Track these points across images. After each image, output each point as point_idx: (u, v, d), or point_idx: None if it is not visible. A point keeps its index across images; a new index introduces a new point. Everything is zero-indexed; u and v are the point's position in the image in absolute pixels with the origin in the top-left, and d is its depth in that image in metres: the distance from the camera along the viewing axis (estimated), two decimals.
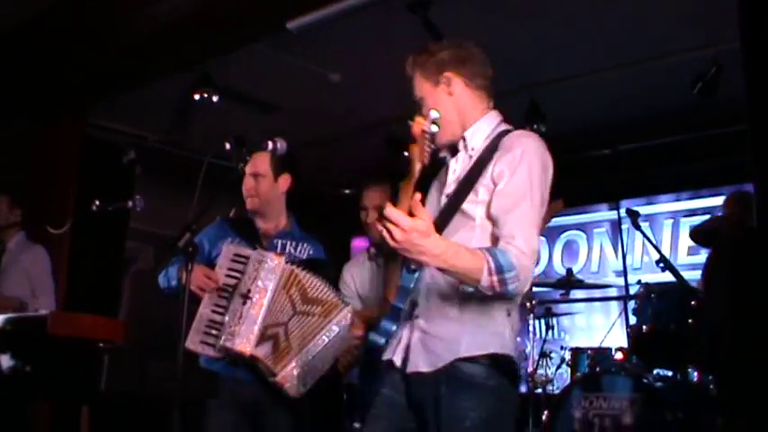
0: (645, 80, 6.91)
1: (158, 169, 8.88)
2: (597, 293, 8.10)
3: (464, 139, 3.07)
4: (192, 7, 5.85)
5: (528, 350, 7.19)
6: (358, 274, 4.52)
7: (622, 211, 7.90)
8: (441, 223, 2.92)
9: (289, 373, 3.86)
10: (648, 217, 8.20)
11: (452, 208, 2.98)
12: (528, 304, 6.74)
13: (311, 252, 4.33)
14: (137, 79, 7.06)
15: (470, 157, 3.04)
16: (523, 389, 7.33)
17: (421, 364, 2.91)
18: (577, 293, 7.83)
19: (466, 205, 2.94)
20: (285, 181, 4.32)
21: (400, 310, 3.00)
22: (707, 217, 7.01)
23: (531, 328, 7.28)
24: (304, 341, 3.89)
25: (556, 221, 9.04)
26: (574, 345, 7.28)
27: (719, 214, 6.43)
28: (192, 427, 3.83)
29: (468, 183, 2.96)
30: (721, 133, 7.28)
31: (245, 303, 3.92)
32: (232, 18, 5.91)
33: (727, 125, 7.09)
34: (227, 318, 3.93)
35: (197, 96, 6.88)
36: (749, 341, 2.69)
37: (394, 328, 3.01)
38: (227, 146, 3.73)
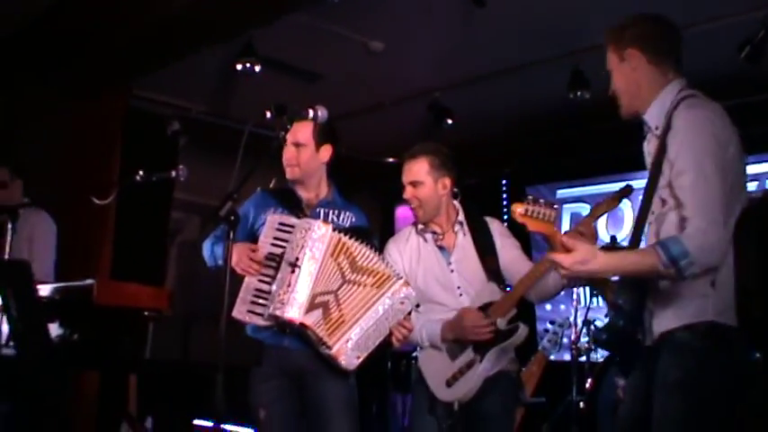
0: (691, 45, 6.78)
1: (202, 140, 8.93)
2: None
3: (646, 122, 3.19)
4: None
5: (571, 318, 7.16)
6: (405, 250, 4.41)
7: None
8: (644, 208, 3.11)
9: (343, 346, 3.86)
10: None
11: (650, 193, 3.09)
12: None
13: (353, 220, 4.32)
14: (180, 50, 7.08)
15: (656, 137, 3.13)
16: (567, 356, 7.34)
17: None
18: None
19: (660, 189, 3.05)
20: (326, 151, 4.30)
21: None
22: (755, 184, 6.93)
23: (575, 296, 7.25)
24: (358, 313, 3.89)
25: (600, 189, 9.01)
26: None
27: None
28: (237, 394, 3.86)
29: (657, 166, 3.05)
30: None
31: (293, 272, 3.91)
32: None
33: None
34: (274, 286, 3.93)
35: (239, 66, 6.89)
36: None
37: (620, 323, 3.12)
38: (268, 115, 3.73)
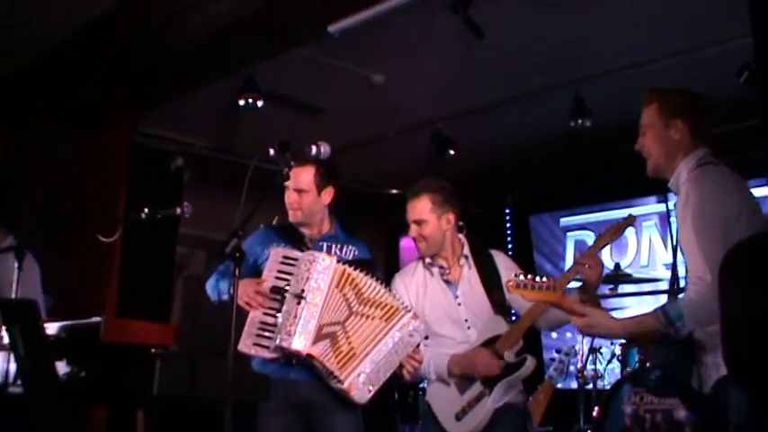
0: (690, 71, 6.85)
1: (206, 175, 8.95)
2: (647, 287, 8.04)
3: (669, 187, 3.43)
4: (236, 14, 5.89)
5: (578, 346, 7.15)
6: (411, 284, 4.42)
7: (671, 204, 7.83)
8: (675, 270, 3.53)
9: (355, 380, 3.88)
10: None
11: (677, 252, 3.44)
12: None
13: (356, 253, 4.34)
14: (183, 86, 7.13)
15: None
16: (574, 384, 7.31)
17: None
18: (627, 287, 7.79)
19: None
20: (328, 194, 4.34)
21: None
22: None
23: None
24: (368, 346, 3.91)
25: (604, 216, 9.02)
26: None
27: None
28: (244, 429, 3.86)
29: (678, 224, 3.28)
30: None
31: (299, 303, 3.93)
32: (275, 23, 5.95)
33: None
34: (280, 319, 3.95)
35: (242, 102, 6.93)
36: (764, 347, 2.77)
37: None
38: (272, 152, 3.75)
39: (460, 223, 4.47)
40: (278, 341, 3.92)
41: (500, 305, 4.31)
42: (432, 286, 4.41)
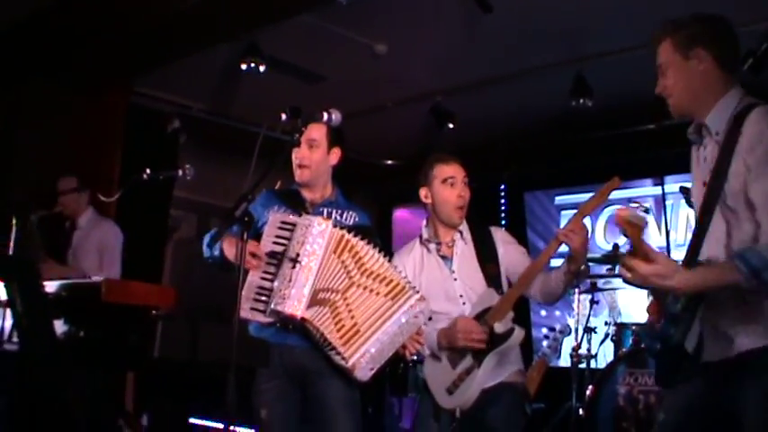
0: None
1: (202, 138, 8.93)
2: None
3: (706, 126, 3.07)
4: None
5: (572, 323, 7.18)
6: (409, 262, 4.44)
7: (667, 187, 7.83)
8: (704, 217, 3.01)
9: (359, 360, 3.85)
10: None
11: (713, 200, 2.99)
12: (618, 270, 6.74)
13: (356, 219, 4.32)
14: (183, 49, 7.08)
15: (717, 142, 3.02)
16: (567, 363, 7.35)
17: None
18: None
19: (727, 196, 2.94)
20: (336, 154, 4.33)
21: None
22: None
23: (575, 304, 7.27)
24: (374, 325, 3.86)
25: None
26: (619, 320, 7.27)
27: None
28: (243, 394, 3.86)
29: (720, 172, 2.95)
30: None
31: (294, 267, 3.93)
32: None
33: None
34: (276, 283, 3.94)
35: (244, 66, 6.88)
36: None
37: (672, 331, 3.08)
38: (283, 117, 3.73)
39: None
40: (273, 305, 3.92)
41: (493, 278, 4.31)
42: (429, 263, 4.43)
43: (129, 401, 6.74)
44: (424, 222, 4.54)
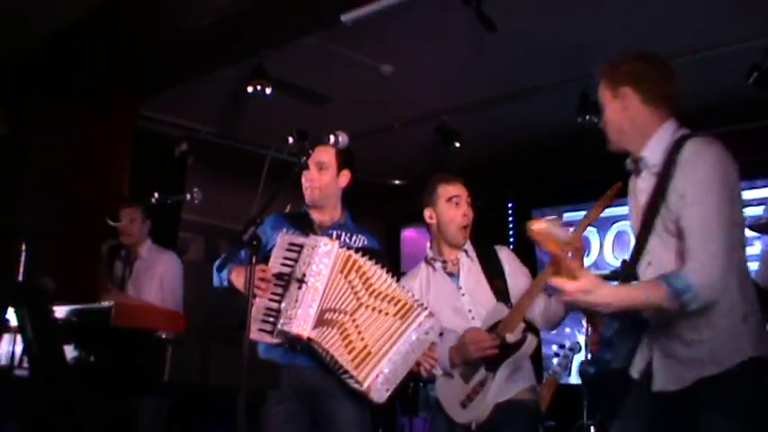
0: (698, 71, 6.85)
1: (210, 161, 8.95)
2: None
3: (642, 159, 3.18)
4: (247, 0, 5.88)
5: (582, 340, 7.15)
6: (416, 284, 4.46)
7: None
8: (641, 244, 3.11)
9: (374, 382, 3.84)
10: None
11: (648, 229, 3.09)
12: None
13: (365, 242, 4.33)
14: (190, 71, 7.11)
15: (653, 174, 3.12)
16: (577, 380, 7.32)
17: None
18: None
19: (659, 225, 3.05)
20: (345, 177, 4.36)
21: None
22: (761, 208, 6.93)
23: (584, 321, 7.25)
24: (385, 345, 3.86)
25: (606, 212, 8.98)
26: None
27: None
28: (253, 417, 3.86)
29: (656, 201, 3.05)
30: None
31: (300, 288, 3.94)
32: (286, 10, 5.93)
33: None
34: (283, 304, 3.95)
35: (250, 89, 6.90)
36: None
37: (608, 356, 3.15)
38: (290, 139, 3.76)
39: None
40: (279, 326, 3.92)
41: (502, 292, 4.32)
42: (435, 281, 4.44)
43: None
44: (429, 244, 4.56)
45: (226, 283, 4.12)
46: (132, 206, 6.27)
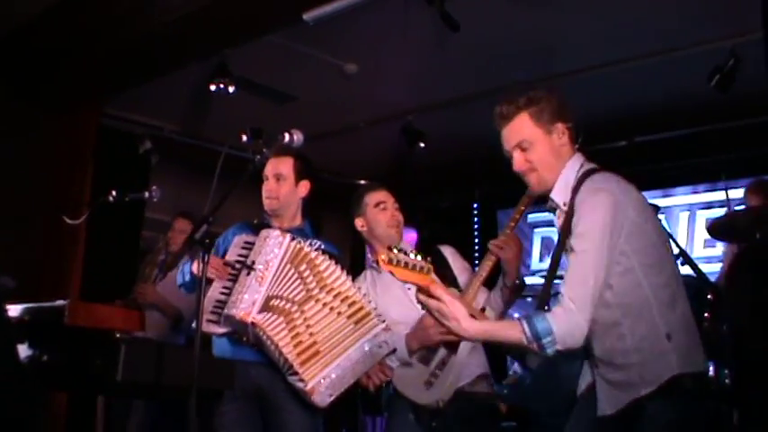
0: (662, 72, 6.89)
1: (174, 159, 8.89)
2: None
3: (552, 199, 3.15)
4: None
5: None
6: (362, 287, 4.43)
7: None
8: (549, 281, 3.13)
9: (318, 385, 3.83)
10: (664, 209, 8.17)
11: (555, 269, 3.14)
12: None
13: (323, 247, 4.33)
14: (153, 69, 7.06)
15: (564, 213, 3.11)
16: None
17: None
18: None
19: (565, 262, 3.05)
20: (304, 187, 4.42)
21: None
22: (723, 210, 6.97)
23: None
24: (336, 349, 3.86)
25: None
26: None
27: (737, 208, 6.37)
28: (207, 417, 3.84)
29: (564, 239, 3.04)
30: (738, 125, 7.26)
31: (248, 274, 3.99)
32: (248, 9, 5.90)
33: (744, 117, 7.07)
34: (232, 294, 3.99)
35: (213, 87, 6.87)
36: None
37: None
38: (244, 138, 3.76)
39: None
40: (225, 310, 3.95)
41: (450, 280, 4.34)
42: (381, 281, 4.46)
43: (101, 427, 6.67)
44: (368, 251, 4.59)
45: (188, 277, 4.15)
46: (186, 219, 6.62)
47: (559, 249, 3.08)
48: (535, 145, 3.13)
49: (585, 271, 2.86)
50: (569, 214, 3.02)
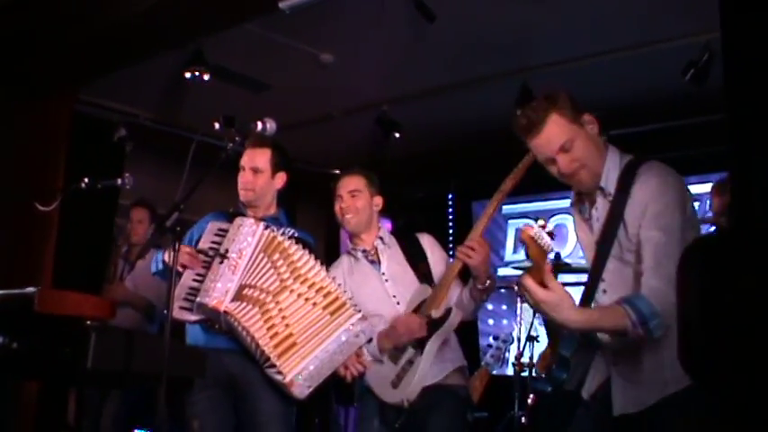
0: (636, 66, 6.92)
1: (149, 146, 8.85)
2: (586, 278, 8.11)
3: (602, 189, 3.08)
4: None
5: (515, 333, 7.20)
6: (338, 274, 4.48)
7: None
8: (596, 273, 3.05)
9: (296, 377, 3.82)
10: None
11: (604, 255, 3.04)
12: (516, 288, 6.76)
13: (297, 235, 4.34)
14: (128, 56, 7.00)
15: (608, 200, 3.06)
16: (510, 371, 7.37)
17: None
18: (566, 277, 7.85)
19: (615, 251, 3.00)
20: (281, 179, 4.42)
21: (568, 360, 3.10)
22: (697, 204, 7.02)
23: (518, 312, 7.31)
24: (312, 340, 3.86)
25: (546, 205, 9.09)
26: None
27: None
28: (178, 406, 3.83)
29: (612, 227, 2.99)
30: (710, 120, 7.30)
31: (221, 262, 3.99)
32: None
33: (716, 112, 7.11)
34: (205, 281, 4.00)
35: (188, 74, 6.84)
36: (721, 344, 2.72)
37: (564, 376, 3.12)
38: (217, 126, 3.75)
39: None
40: (198, 299, 3.95)
41: (426, 276, 4.38)
42: (358, 269, 4.50)
43: (72, 415, 6.65)
44: (344, 236, 4.67)
45: (161, 266, 4.14)
46: (143, 208, 6.58)
47: (608, 238, 3.01)
48: (576, 142, 3.04)
49: (672, 248, 2.79)
50: (620, 200, 2.98)
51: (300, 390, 3.84)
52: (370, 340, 4.11)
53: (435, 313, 4.18)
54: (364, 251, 4.49)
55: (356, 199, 4.46)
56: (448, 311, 4.21)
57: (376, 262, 4.46)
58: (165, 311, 3.32)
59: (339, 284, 4.09)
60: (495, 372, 6.88)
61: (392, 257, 4.47)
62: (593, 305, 3.08)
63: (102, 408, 5.86)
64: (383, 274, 4.41)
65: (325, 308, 3.90)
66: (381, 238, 4.52)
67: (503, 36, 6.62)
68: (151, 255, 6.11)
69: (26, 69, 7.21)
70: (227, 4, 5.99)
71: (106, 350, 3.20)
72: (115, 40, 6.67)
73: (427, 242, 4.57)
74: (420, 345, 4.18)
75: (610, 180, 3.06)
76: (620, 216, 2.98)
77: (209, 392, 4.05)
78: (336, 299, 3.94)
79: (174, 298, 3.82)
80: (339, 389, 7.72)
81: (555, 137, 3.05)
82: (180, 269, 3.92)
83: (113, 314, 3.77)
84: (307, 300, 3.91)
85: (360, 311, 3.98)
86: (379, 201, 4.54)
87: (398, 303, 4.34)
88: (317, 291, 3.93)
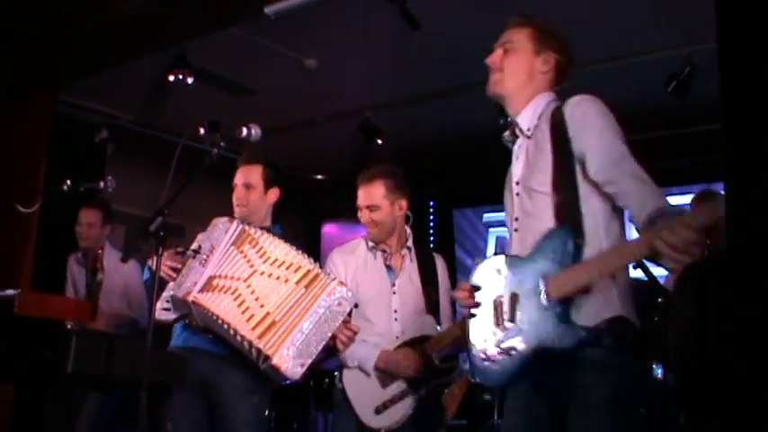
0: (618, 78, 6.94)
1: (130, 149, 8.83)
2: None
3: (517, 123, 3.13)
4: None
5: None
6: (351, 261, 4.36)
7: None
8: (574, 206, 2.91)
9: (285, 356, 3.63)
10: None
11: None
12: None
13: (272, 230, 4.31)
14: (111, 58, 6.98)
15: (527, 137, 3.10)
16: None
17: None
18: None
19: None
20: (274, 194, 4.42)
21: None
22: None
23: None
24: (293, 314, 3.69)
25: None
26: None
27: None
28: (160, 410, 3.82)
29: (564, 156, 2.96)
30: (692, 132, 7.35)
31: (194, 258, 4.00)
32: (210, 0, 5.87)
33: (698, 124, 7.16)
34: (178, 278, 4.01)
35: (172, 77, 6.84)
36: (716, 362, 2.67)
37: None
38: (202, 131, 3.72)
39: (408, 213, 4.47)
40: (171, 292, 3.98)
41: (433, 304, 4.33)
42: (372, 267, 4.37)
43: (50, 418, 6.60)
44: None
45: (149, 274, 4.09)
46: (93, 209, 6.13)
47: (567, 165, 2.95)
48: (518, 53, 3.17)
49: (621, 148, 2.85)
50: (558, 130, 2.97)
51: (293, 369, 3.64)
52: (355, 306, 3.87)
53: (436, 359, 4.14)
54: (384, 252, 4.36)
55: (375, 213, 4.31)
56: (452, 368, 4.24)
57: (393, 269, 4.35)
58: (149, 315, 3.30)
59: (310, 259, 3.88)
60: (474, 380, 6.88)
61: (409, 273, 4.38)
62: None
63: (78, 412, 5.78)
64: (394, 285, 4.32)
65: (298, 282, 3.75)
66: (410, 249, 4.42)
67: (486, 44, 6.61)
68: (113, 265, 6.08)
69: (7, 69, 7.17)
70: (212, 8, 5.99)
71: (87, 353, 3.18)
72: (98, 42, 6.65)
73: (441, 267, 4.49)
74: (415, 386, 4.17)
75: (527, 118, 3.12)
76: (565, 146, 2.96)
77: (184, 395, 4.00)
78: (309, 272, 3.78)
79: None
80: (318, 394, 7.72)
81: (508, 35, 3.28)
82: (170, 277, 3.93)
83: (94, 317, 3.77)
84: (278, 278, 3.79)
85: (335, 279, 3.81)
86: (403, 204, 4.40)
87: (396, 320, 4.28)
88: (288, 267, 3.80)
